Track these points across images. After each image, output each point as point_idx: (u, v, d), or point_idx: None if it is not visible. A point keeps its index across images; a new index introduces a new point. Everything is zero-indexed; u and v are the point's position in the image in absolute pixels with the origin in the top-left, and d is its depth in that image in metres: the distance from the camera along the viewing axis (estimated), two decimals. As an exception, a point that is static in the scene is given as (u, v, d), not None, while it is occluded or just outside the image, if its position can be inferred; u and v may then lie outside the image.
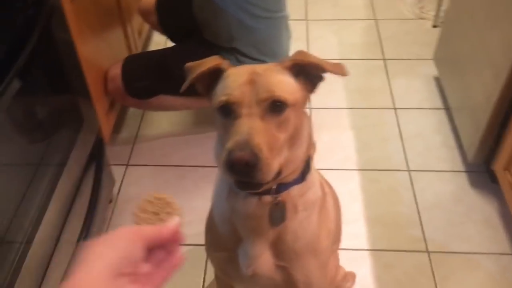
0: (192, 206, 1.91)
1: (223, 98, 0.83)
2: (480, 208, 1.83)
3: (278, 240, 0.96)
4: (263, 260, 0.98)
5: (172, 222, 0.61)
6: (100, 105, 1.83)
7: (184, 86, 0.91)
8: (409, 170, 1.98)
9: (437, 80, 2.37)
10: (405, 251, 1.71)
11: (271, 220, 0.92)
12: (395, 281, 1.63)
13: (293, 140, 0.85)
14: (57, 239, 1.43)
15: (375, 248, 1.72)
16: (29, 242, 1.25)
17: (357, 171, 1.99)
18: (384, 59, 2.55)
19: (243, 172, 0.77)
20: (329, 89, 2.34)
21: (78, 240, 1.55)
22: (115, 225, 1.84)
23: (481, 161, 1.85)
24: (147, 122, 2.26)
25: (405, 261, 1.68)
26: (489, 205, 1.84)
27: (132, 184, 1.98)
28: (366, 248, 1.72)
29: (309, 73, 0.88)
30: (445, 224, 1.79)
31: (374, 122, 2.20)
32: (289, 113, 0.83)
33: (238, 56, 1.81)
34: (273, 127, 0.81)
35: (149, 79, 1.89)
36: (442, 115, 2.22)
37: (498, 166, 1.70)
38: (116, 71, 1.87)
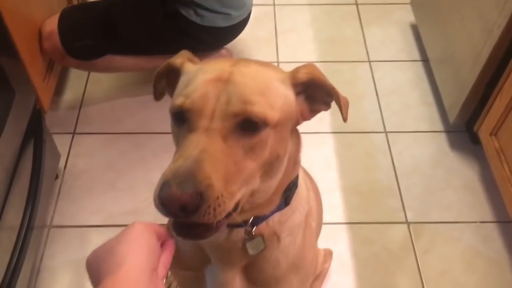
0: (151, 179, 1.71)
1: (178, 101, 0.61)
2: (460, 172, 1.73)
3: (254, 267, 0.79)
4: (235, 285, 0.81)
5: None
6: (34, 68, 1.55)
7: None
8: (386, 132, 1.84)
9: (414, 28, 2.19)
10: (384, 223, 1.60)
11: (246, 253, 0.75)
12: (374, 257, 1.53)
13: (267, 168, 0.64)
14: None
15: (352, 221, 1.60)
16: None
17: (331, 134, 1.82)
18: (356, 4, 2.33)
19: (179, 215, 0.56)
20: (298, 40, 2.11)
21: (21, 225, 1.38)
22: (64, 203, 1.63)
23: (463, 123, 1.72)
24: (95, 81, 1.98)
25: (384, 234, 1.57)
26: (470, 169, 1.74)
27: (81, 156, 1.74)
28: (342, 221, 1.60)
29: (313, 95, 0.68)
30: (424, 192, 1.68)
31: (348, 78, 2.02)
32: (267, 135, 0.61)
33: (198, 10, 1.55)
34: (240, 152, 0.60)
35: (92, 37, 1.61)
36: (419, 67, 2.06)
37: (484, 130, 1.57)
38: (51, 27, 1.57)
